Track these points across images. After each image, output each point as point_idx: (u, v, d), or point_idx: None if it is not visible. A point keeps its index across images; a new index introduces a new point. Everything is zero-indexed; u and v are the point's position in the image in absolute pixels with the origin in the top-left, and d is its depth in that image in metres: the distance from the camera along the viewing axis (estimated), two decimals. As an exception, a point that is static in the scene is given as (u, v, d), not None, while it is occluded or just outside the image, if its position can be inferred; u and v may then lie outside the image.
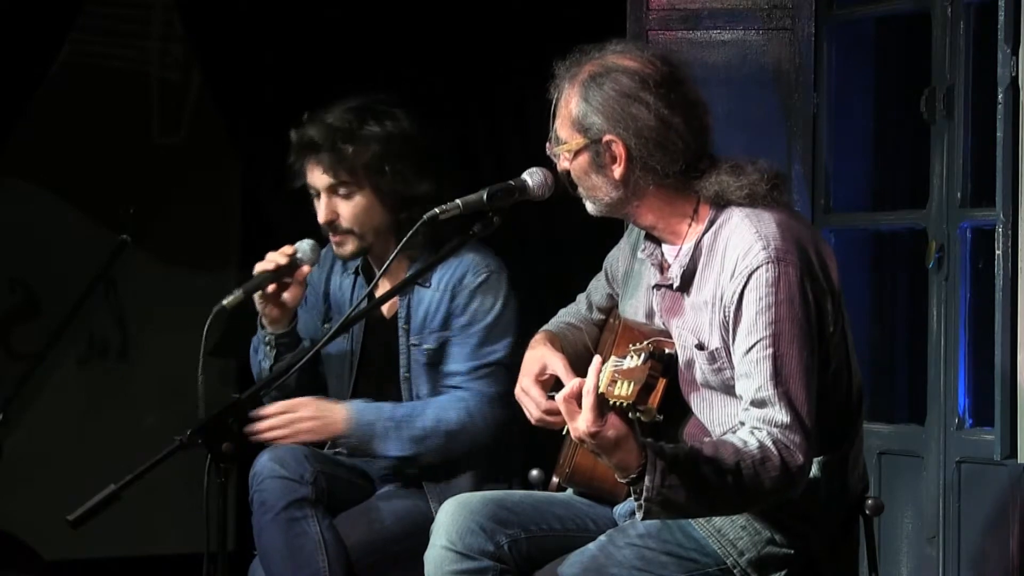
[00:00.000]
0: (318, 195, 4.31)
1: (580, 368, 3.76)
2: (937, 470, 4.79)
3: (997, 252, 4.56)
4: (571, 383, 3.15)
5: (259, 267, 4.24)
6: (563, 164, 3.50)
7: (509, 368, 4.13)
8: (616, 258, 3.80)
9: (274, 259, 4.23)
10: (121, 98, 6.54)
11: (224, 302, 4.04)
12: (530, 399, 3.68)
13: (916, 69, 4.96)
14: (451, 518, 3.55)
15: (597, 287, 3.90)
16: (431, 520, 3.65)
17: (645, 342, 3.19)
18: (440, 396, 4.29)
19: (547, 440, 3.94)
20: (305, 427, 4.21)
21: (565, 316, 3.92)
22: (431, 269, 4.19)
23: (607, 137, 3.40)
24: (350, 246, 4.32)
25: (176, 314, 6.18)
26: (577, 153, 3.46)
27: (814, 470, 3.39)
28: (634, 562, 3.41)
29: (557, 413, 3.63)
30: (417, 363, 4.31)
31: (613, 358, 3.16)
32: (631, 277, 3.67)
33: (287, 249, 4.26)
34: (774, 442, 3.23)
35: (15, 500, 6.09)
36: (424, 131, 4.36)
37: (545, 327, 3.88)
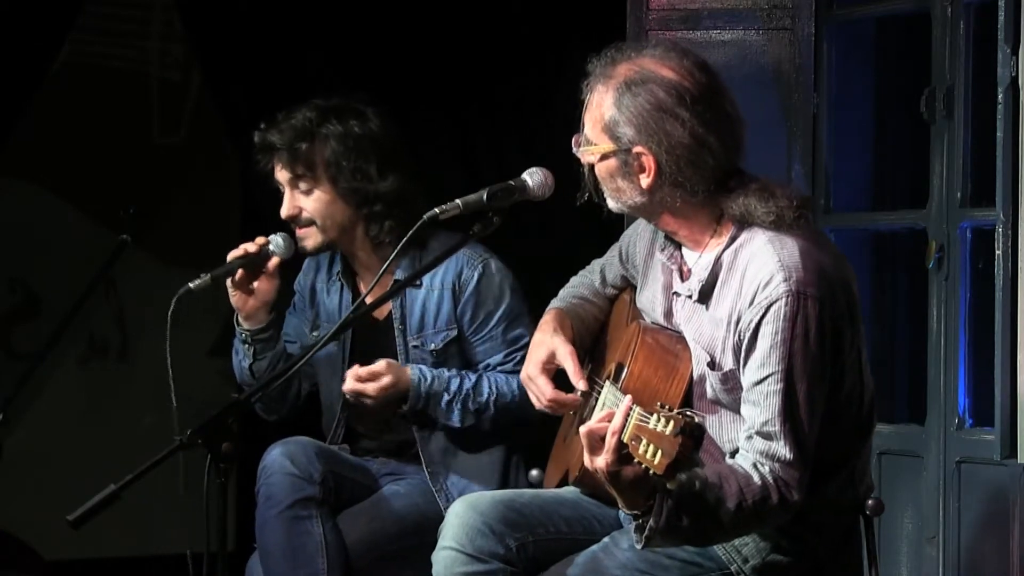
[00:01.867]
0: (283, 189, 4.36)
1: (588, 342, 3.78)
2: (937, 470, 4.78)
3: (997, 252, 4.56)
4: (600, 417, 3.14)
5: (230, 255, 4.30)
6: (587, 159, 3.45)
7: None
8: (633, 241, 3.72)
9: (244, 247, 4.30)
10: (121, 98, 6.54)
11: (191, 285, 4.11)
12: (537, 387, 3.67)
13: (916, 69, 4.96)
14: (460, 519, 3.53)
15: (611, 264, 3.83)
16: (431, 520, 3.64)
17: (675, 411, 3.12)
18: (492, 373, 4.32)
19: (547, 440, 3.94)
20: (382, 396, 4.19)
21: (579, 287, 3.87)
22: (428, 271, 4.18)
23: (637, 148, 3.34)
24: (312, 240, 4.35)
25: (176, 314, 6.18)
26: (604, 156, 3.40)
27: (825, 484, 3.39)
28: (637, 564, 3.40)
29: (559, 403, 3.64)
30: (422, 363, 4.30)
31: (638, 409, 3.11)
32: (651, 269, 3.61)
33: (259, 240, 4.32)
34: (775, 479, 3.24)
35: (15, 500, 6.09)
36: (394, 130, 4.38)
37: (556, 302, 3.84)
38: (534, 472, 4.03)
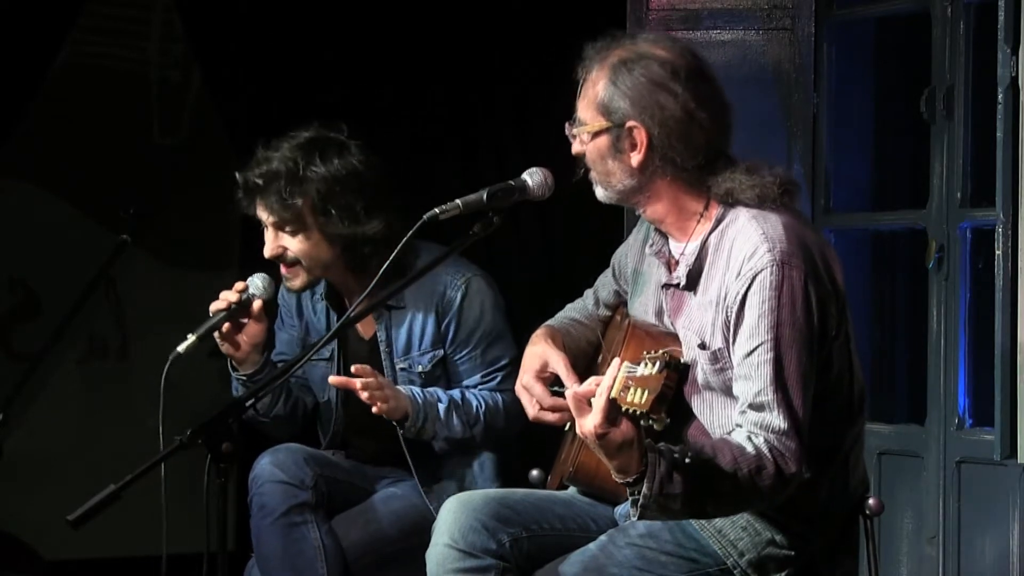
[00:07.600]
0: (266, 227, 4.29)
1: (582, 364, 3.77)
2: (937, 470, 4.78)
3: (997, 252, 4.56)
4: (588, 381, 3.14)
5: (213, 306, 4.21)
6: (578, 147, 3.48)
7: (518, 365, 4.12)
8: (624, 255, 3.78)
9: (226, 297, 4.20)
10: (121, 98, 6.54)
11: (179, 348, 3.97)
12: (530, 396, 3.68)
13: (916, 69, 4.96)
14: (453, 516, 3.54)
15: (604, 283, 3.88)
16: (428, 521, 3.64)
17: (660, 351, 3.16)
18: (474, 390, 4.31)
19: (547, 440, 3.94)
20: (388, 397, 4.12)
21: (571, 311, 3.90)
22: (408, 285, 4.05)
23: (630, 123, 3.39)
24: (299, 280, 4.29)
25: (176, 314, 6.19)
26: (596, 135, 3.44)
27: (815, 472, 3.39)
28: (634, 562, 3.41)
29: (557, 410, 3.64)
30: (410, 384, 4.28)
31: (626, 364, 3.13)
32: (640, 275, 3.65)
33: (239, 285, 4.22)
34: (770, 449, 3.24)
35: (15, 500, 6.09)
36: (377, 162, 4.28)
37: (548, 322, 3.86)
38: (534, 472, 4.03)
